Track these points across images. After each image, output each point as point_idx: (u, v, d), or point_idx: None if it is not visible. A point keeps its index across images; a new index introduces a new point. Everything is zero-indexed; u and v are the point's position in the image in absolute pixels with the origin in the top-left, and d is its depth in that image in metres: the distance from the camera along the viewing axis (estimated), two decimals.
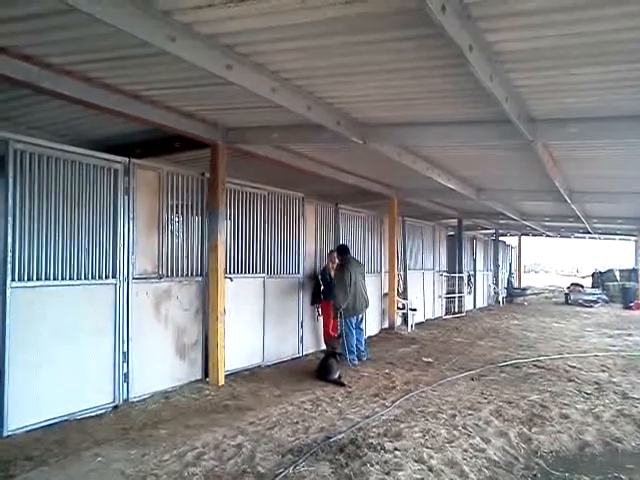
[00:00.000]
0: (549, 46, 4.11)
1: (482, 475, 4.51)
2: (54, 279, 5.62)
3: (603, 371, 8.83)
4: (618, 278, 25.42)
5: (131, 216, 6.50)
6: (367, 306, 9.58)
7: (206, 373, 7.51)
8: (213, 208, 7.42)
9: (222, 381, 7.42)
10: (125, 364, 6.38)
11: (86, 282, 5.96)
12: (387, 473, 4.35)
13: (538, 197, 12.40)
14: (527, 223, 19.35)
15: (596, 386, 7.66)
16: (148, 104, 6.18)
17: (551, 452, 5.14)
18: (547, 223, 20.32)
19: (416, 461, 4.68)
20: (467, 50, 3.83)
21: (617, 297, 23.43)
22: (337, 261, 9.58)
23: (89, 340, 5.97)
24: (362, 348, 9.39)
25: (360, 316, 9.40)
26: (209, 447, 5.00)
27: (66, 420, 5.60)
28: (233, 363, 7.90)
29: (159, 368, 6.86)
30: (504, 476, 4.54)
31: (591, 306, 21.94)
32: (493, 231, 24.45)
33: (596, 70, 4.65)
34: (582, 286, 26.12)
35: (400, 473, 4.35)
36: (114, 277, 6.29)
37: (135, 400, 6.45)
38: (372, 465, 4.50)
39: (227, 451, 4.91)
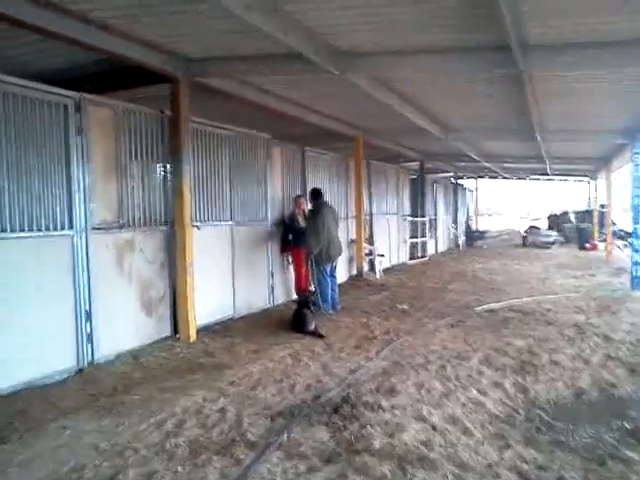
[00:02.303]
0: None
1: (486, 432, 4.22)
2: (2, 230, 4.94)
3: (578, 313, 8.75)
4: (573, 220, 25.86)
5: (86, 158, 5.78)
6: (340, 253, 9.21)
7: (175, 329, 7.00)
8: (176, 150, 6.74)
9: (194, 337, 6.94)
10: (88, 323, 5.79)
11: (39, 234, 5.28)
12: (390, 435, 4.00)
13: (508, 137, 12.11)
14: (487, 165, 19.16)
15: (576, 329, 7.53)
16: (99, 29, 5.37)
17: (549, 401, 4.90)
18: (507, 165, 20.21)
19: (417, 419, 4.35)
20: None
21: (573, 238, 23.82)
22: (308, 206, 9.11)
23: (46, 298, 5.35)
24: (336, 297, 9.04)
25: (334, 264, 9.02)
26: (189, 413, 4.54)
27: (26, 388, 5.02)
28: (203, 317, 7.40)
29: (125, 326, 6.31)
30: (508, 431, 4.26)
31: (548, 247, 22.26)
32: (452, 174, 24.30)
33: None
34: (539, 228, 26.50)
35: (404, 435, 4.00)
36: (70, 228, 5.62)
37: (101, 362, 5.90)
38: (372, 427, 4.14)
39: (210, 417, 4.46)
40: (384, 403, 4.66)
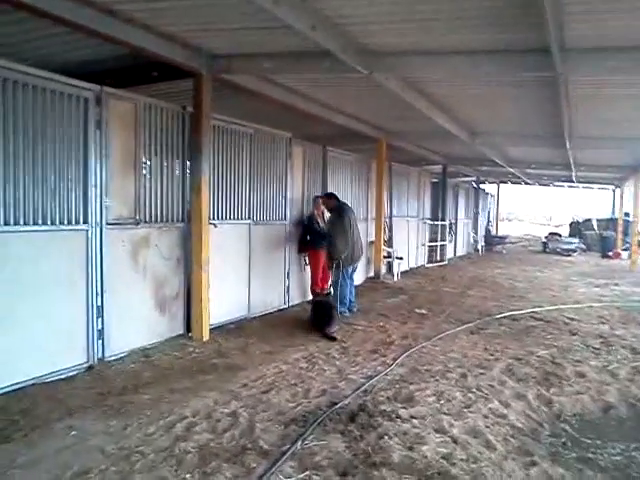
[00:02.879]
0: None
1: (509, 445, 4.05)
2: (15, 224, 4.83)
3: (602, 323, 8.52)
4: (596, 227, 25.37)
5: (104, 153, 5.66)
6: (362, 253, 9.12)
7: (188, 327, 6.87)
8: (197, 146, 6.60)
9: (207, 336, 6.81)
10: (99, 319, 5.68)
11: (54, 227, 5.17)
12: (410, 448, 3.82)
13: (535, 142, 11.80)
14: (511, 170, 18.83)
15: (601, 340, 7.30)
16: (123, 22, 5.26)
17: (574, 415, 4.73)
18: (531, 170, 19.84)
19: (437, 431, 4.17)
20: None
21: (594, 246, 23.44)
22: (325, 208, 8.95)
23: (58, 293, 5.24)
24: (352, 299, 8.89)
25: (355, 266, 8.90)
26: (200, 416, 4.40)
27: (33, 385, 4.89)
28: (217, 316, 7.27)
29: (137, 323, 6.19)
30: (532, 445, 4.08)
31: (569, 255, 21.88)
32: (474, 178, 23.97)
33: None
34: (560, 235, 26.05)
35: (424, 448, 3.82)
36: (85, 222, 5.50)
37: (111, 359, 5.79)
38: (390, 438, 3.97)
39: (221, 421, 4.31)
40: (402, 412, 4.49)
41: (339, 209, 8.61)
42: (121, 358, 5.88)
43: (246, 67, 6.66)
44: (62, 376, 5.21)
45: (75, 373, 5.35)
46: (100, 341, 5.69)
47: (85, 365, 5.51)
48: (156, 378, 5.36)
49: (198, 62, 6.38)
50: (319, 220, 9.24)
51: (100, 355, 5.70)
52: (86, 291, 5.53)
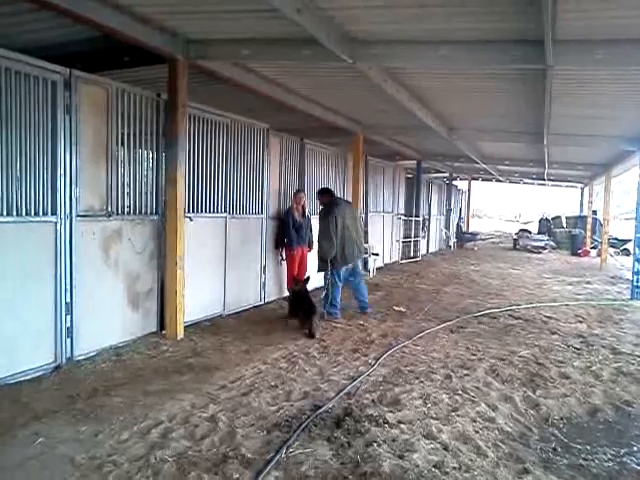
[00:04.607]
0: None
1: (500, 452, 3.90)
2: None
3: (580, 322, 8.51)
4: (565, 225, 25.69)
5: (74, 140, 5.34)
6: (361, 252, 8.62)
7: (162, 325, 6.59)
8: (172, 135, 6.30)
9: (181, 334, 6.53)
10: (68, 316, 5.36)
11: (19, 219, 4.84)
12: (400, 456, 3.64)
13: (514, 138, 11.72)
14: (484, 166, 18.85)
15: (581, 339, 7.26)
16: (94, 0, 4.95)
17: (562, 419, 4.61)
18: (503, 167, 19.91)
19: (426, 437, 4.00)
20: None
21: (564, 244, 23.70)
22: (320, 204, 8.63)
23: (24, 289, 4.91)
24: (362, 298, 8.53)
25: (351, 265, 8.29)
26: (177, 421, 4.16)
27: None
28: (192, 313, 7.00)
29: (109, 320, 5.89)
30: (523, 451, 3.94)
31: (539, 252, 22.10)
32: (447, 174, 23.99)
33: None
34: (530, 232, 26.31)
35: (415, 456, 3.65)
36: (54, 214, 5.18)
37: (81, 358, 5.49)
38: (379, 445, 3.78)
39: (200, 426, 4.07)
40: (390, 417, 4.30)
41: (329, 205, 8.18)
42: (91, 357, 5.58)
43: (224, 53, 6.36)
44: (27, 377, 4.90)
45: (41, 374, 5.04)
46: (69, 339, 5.38)
47: (52, 365, 5.20)
48: (129, 379, 5.08)
49: (173, 47, 6.08)
50: (297, 215, 9.01)
51: (69, 354, 5.38)
52: (54, 286, 5.21)
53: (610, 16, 4.62)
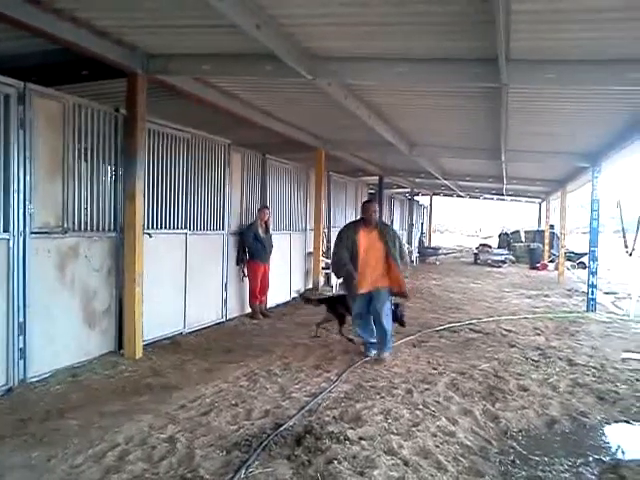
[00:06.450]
0: None
1: (460, 465, 3.92)
2: None
3: (538, 334, 8.67)
4: (523, 239, 26.26)
5: (27, 155, 5.20)
6: (377, 283, 6.78)
7: (120, 344, 6.45)
8: (130, 150, 6.23)
9: (140, 353, 6.40)
10: (21, 337, 5.19)
11: None
12: (361, 473, 3.61)
13: (473, 154, 11.98)
14: (445, 182, 19.18)
15: (539, 352, 7.38)
16: (50, 12, 4.87)
17: (521, 431, 4.67)
18: (464, 183, 20.29)
19: (387, 453, 3.99)
20: None
21: (523, 257, 24.18)
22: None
23: None
24: (381, 339, 6.90)
25: (367, 296, 6.85)
26: (134, 443, 4.05)
27: None
28: (151, 332, 6.87)
29: (64, 340, 5.72)
30: (482, 465, 3.97)
31: (499, 266, 22.48)
32: (408, 190, 24.31)
33: None
34: (490, 246, 26.79)
35: (376, 472, 3.63)
36: (6, 231, 5.03)
37: (34, 380, 5.31)
38: (340, 462, 3.74)
39: (157, 448, 3.97)
40: (350, 433, 4.27)
41: (351, 223, 7.26)
42: (45, 379, 5.41)
43: (184, 68, 6.35)
44: None
45: None
46: (22, 361, 5.21)
47: (4, 388, 5.02)
48: (85, 400, 4.93)
49: (133, 61, 6.04)
50: (260, 230, 8.98)
51: (21, 376, 5.21)
52: (6, 306, 5.05)
53: (560, 38, 4.77)
